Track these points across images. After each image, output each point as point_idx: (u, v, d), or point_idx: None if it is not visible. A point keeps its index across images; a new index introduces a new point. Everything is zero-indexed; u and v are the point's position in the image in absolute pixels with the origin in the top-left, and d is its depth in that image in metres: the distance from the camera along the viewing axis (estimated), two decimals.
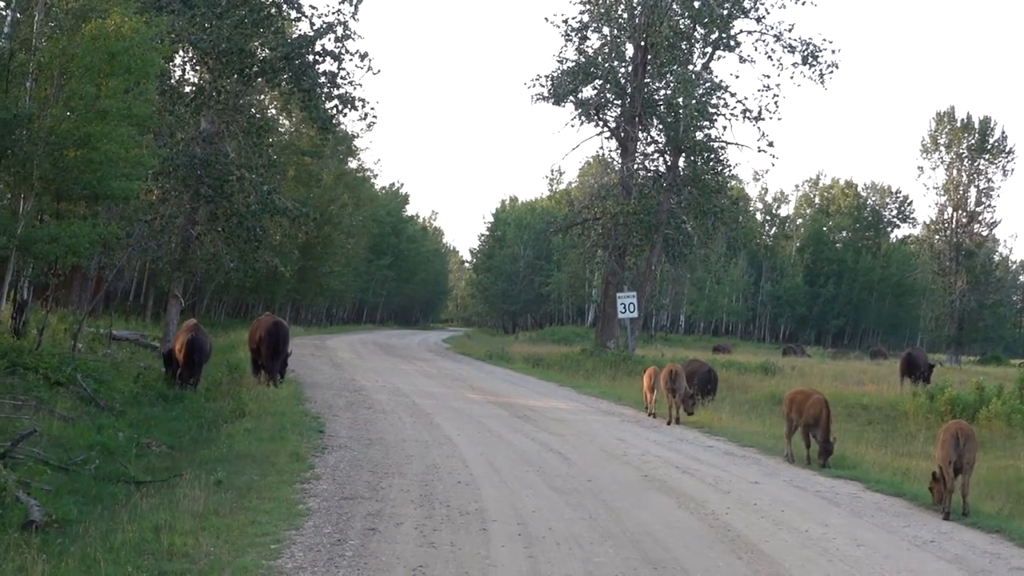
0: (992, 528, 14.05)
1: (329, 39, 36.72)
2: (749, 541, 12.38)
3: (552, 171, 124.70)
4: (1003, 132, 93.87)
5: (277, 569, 10.24)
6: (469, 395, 30.88)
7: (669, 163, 53.63)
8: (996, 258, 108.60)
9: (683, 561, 11.23)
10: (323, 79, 37.01)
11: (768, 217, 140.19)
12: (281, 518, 12.33)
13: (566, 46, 52.85)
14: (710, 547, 12.00)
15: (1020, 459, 23.11)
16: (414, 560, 10.76)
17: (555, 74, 52.31)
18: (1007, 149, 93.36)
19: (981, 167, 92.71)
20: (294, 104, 41.90)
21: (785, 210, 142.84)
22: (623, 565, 11.00)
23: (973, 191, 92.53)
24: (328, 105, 37.39)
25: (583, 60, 52.29)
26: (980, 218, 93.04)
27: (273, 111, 59.92)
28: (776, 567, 11.16)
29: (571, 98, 52.49)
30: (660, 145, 54.37)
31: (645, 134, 54.40)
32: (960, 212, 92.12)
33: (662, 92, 53.90)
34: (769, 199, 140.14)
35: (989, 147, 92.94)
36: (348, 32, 36.80)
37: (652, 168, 55.12)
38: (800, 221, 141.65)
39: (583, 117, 52.94)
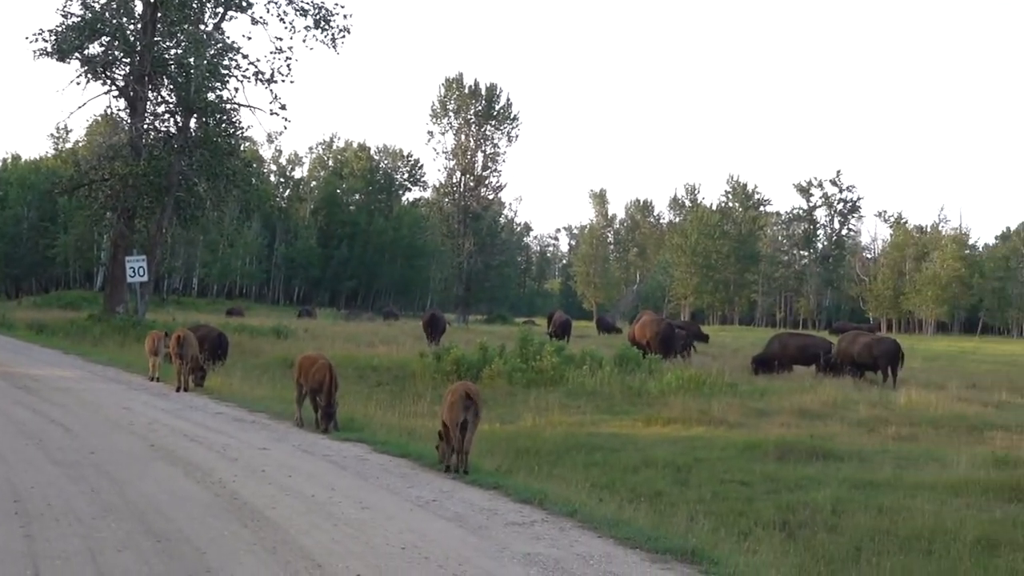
0: (491, 485, 14.56)
1: None
2: (255, 508, 12.32)
3: (58, 129, 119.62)
4: (508, 99, 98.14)
5: None
6: None
7: (180, 124, 52.62)
8: (502, 221, 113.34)
9: (187, 532, 11.03)
10: None
11: (282, 179, 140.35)
12: None
13: (71, 0, 50.60)
14: (216, 516, 11.85)
15: (520, 416, 24.24)
16: None
17: (59, 29, 49.95)
18: (512, 116, 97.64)
19: (487, 133, 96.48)
20: None
21: (299, 172, 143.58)
22: (125, 539, 10.67)
23: (480, 156, 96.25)
24: None
25: (89, 16, 50.22)
26: (487, 182, 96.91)
27: None
28: (282, 533, 11.16)
29: (77, 55, 50.32)
30: (171, 105, 53.27)
31: (155, 94, 53.12)
32: (468, 176, 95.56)
33: (173, 51, 52.72)
34: (283, 161, 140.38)
35: (495, 114, 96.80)
36: None
37: (163, 129, 53.93)
38: (314, 184, 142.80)
39: (90, 75, 50.96)
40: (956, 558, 11.96)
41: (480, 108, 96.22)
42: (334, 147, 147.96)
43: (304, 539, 10.94)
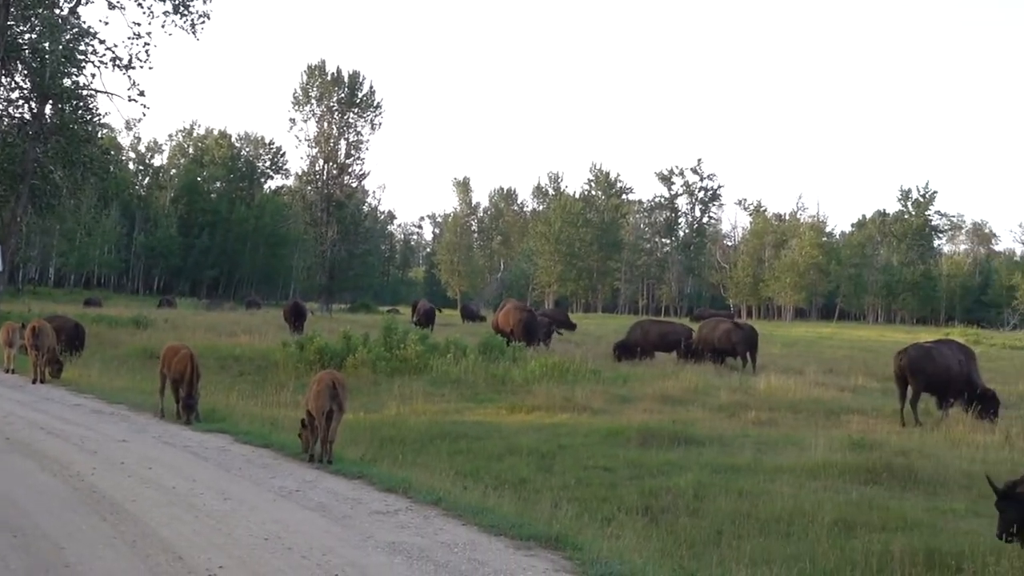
0: (355, 474, 14.52)
1: None
2: (115, 501, 12.13)
3: None
4: (371, 87, 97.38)
5: None
6: None
7: (35, 110, 51.42)
8: (365, 209, 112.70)
9: (45, 527, 10.82)
10: None
11: (141, 167, 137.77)
12: None
13: None
14: (74, 510, 11.64)
15: (384, 405, 24.23)
16: None
17: None
18: (375, 104, 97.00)
19: (350, 120, 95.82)
20: None
21: (159, 160, 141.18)
22: None
23: (343, 144, 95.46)
24: None
25: None
26: (350, 170, 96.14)
27: None
28: (142, 526, 11.00)
29: None
30: (26, 91, 52.00)
31: (9, 79, 51.82)
32: (331, 164, 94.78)
33: (28, 36, 51.41)
34: (142, 149, 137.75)
35: (358, 101, 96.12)
36: None
37: (17, 115, 52.63)
38: (174, 171, 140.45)
39: None
40: (814, 540, 12.27)
41: (343, 95, 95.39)
42: (194, 134, 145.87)
43: (165, 531, 10.81)
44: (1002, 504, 12.02)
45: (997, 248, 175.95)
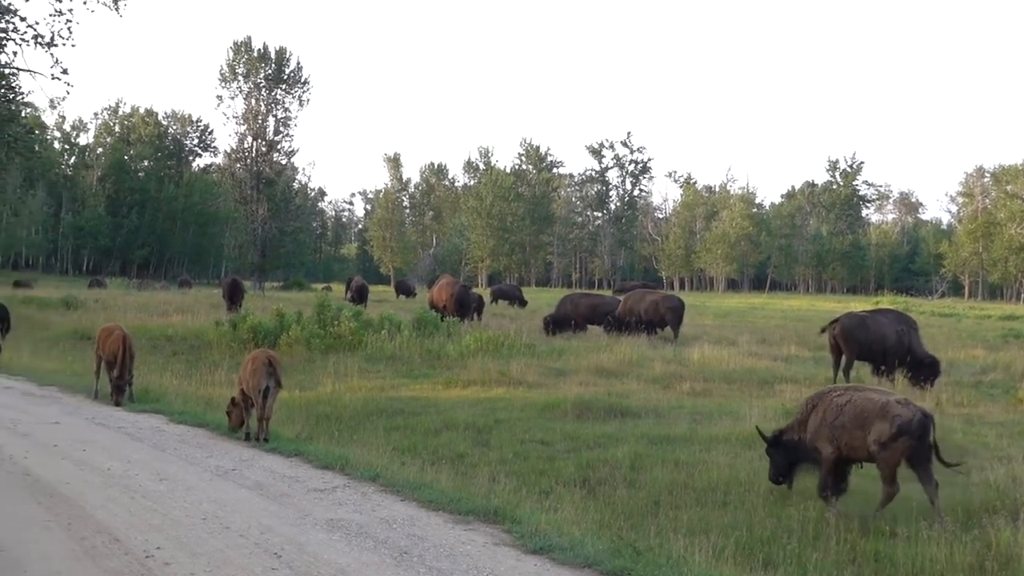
0: (292, 452, 14.48)
1: None
2: (49, 485, 12.01)
3: None
4: (299, 63, 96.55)
5: None
6: None
7: None
8: (295, 186, 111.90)
9: None
10: None
11: (67, 146, 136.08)
12: None
13: None
14: (7, 494, 11.50)
15: (319, 382, 24.10)
16: None
17: None
18: (303, 80, 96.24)
19: (278, 97, 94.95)
20: None
21: (85, 139, 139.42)
22: None
23: (271, 120, 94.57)
24: None
25: None
26: (279, 147, 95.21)
27: None
28: (78, 509, 10.90)
29: None
30: None
31: None
32: (260, 141, 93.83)
33: None
34: (67, 127, 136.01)
35: (285, 77, 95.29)
36: None
37: None
38: (100, 150, 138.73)
39: None
40: (750, 508, 12.34)
41: (270, 72, 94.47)
42: (120, 113, 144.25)
43: (100, 513, 10.72)
44: (771, 451, 13.35)
45: (924, 217, 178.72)
